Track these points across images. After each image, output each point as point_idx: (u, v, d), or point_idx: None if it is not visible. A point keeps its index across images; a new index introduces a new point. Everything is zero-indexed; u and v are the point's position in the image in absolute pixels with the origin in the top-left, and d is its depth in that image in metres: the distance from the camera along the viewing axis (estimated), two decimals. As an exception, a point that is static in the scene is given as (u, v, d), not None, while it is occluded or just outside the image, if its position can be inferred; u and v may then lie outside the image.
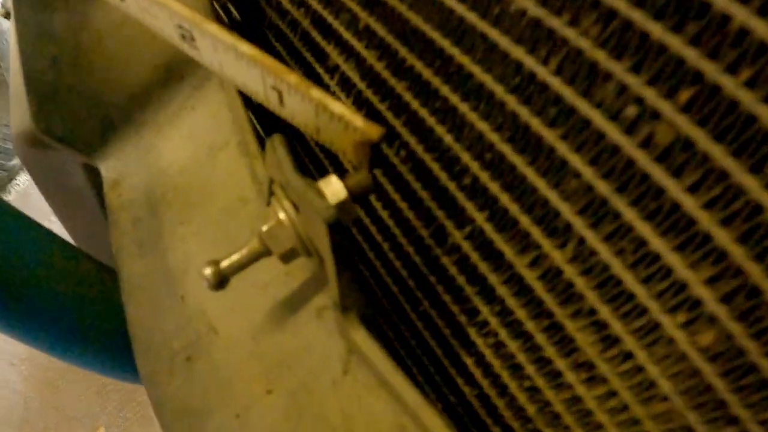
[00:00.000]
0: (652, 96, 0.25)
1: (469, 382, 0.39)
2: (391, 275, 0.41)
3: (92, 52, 0.47)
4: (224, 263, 0.31)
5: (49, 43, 0.47)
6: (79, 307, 0.53)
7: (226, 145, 0.39)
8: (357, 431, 0.31)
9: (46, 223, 0.56)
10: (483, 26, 0.31)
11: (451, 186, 0.34)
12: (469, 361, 0.38)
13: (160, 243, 0.39)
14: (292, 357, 0.33)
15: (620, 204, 0.27)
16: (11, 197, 2.53)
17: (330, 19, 0.40)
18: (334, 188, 0.30)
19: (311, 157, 0.46)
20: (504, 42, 0.30)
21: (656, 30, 0.25)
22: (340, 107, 0.28)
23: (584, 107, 0.27)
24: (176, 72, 0.43)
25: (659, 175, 0.26)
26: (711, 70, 0.24)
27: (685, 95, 0.25)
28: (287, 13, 0.44)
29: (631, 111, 0.26)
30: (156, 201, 0.40)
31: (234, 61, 0.30)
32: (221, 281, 0.31)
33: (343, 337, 0.32)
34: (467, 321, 0.37)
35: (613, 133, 0.27)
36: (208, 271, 0.30)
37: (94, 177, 0.46)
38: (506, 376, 0.36)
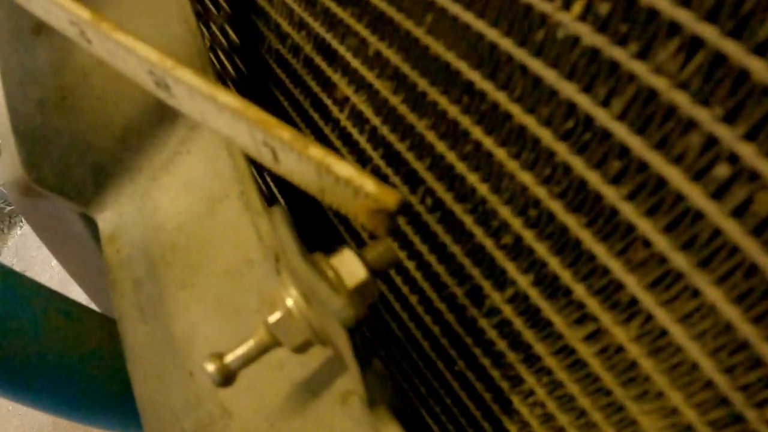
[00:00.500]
0: (750, 153, 0.19)
1: (515, 447, 0.33)
2: (420, 329, 0.35)
3: (78, 90, 0.41)
4: (229, 358, 0.25)
5: (33, 84, 0.42)
6: (82, 367, 0.48)
7: (226, 196, 0.33)
8: None
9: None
10: (522, 56, 0.24)
11: (488, 243, 0.28)
12: (512, 429, 0.32)
13: (162, 309, 0.34)
14: (315, 450, 0.28)
15: (702, 281, 0.21)
16: (21, 231, 2.48)
17: (335, 44, 0.33)
18: (349, 267, 0.24)
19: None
20: (550, 76, 0.23)
21: (759, 68, 0.18)
22: (346, 169, 0.22)
23: (658, 163, 0.21)
24: (169, 110, 0.37)
25: (755, 252, 0.20)
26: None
27: (797, 154, 0.18)
28: (287, 36, 0.38)
29: (722, 171, 0.20)
30: (155, 261, 0.35)
31: (216, 112, 0.24)
32: (227, 378, 0.25)
33: (373, 429, 0.27)
34: (510, 387, 0.31)
35: (697, 196, 0.20)
36: (211, 367, 0.25)
37: (93, 226, 0.41)
38: (558, 449, 0.30)
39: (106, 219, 0.38)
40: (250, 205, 0.32)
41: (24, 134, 0.41)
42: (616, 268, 0.24)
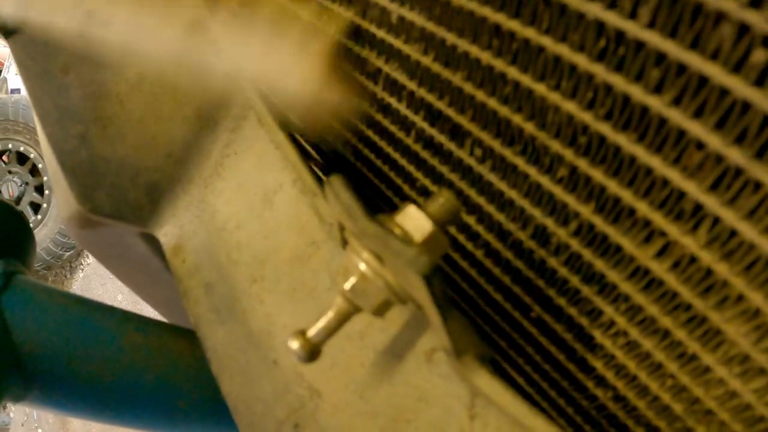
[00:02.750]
0: (786, 32, 0.20)
1: (601, 384, 0.35)
2: (491, 283, 0.37)
3: (117, 118, 0.45)
4: (311, 332, 0.28)
5: (72, 121, 0.46)
6: (168, 380, 0.52)
7: (281, 187, 0.36)
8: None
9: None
10: (542, -12, 0.26)
11: (544, 180, 0.30)
12: (598, 364, 0.34)
13: (237, 307, 0.37)
14: (408, 410, 0.31)
15: (762, 173, 0.23)
16: (83, 274, 2.64)
17: (356, 19, 0.36)
18: (415, 222, 0.27)
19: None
20: (574, 1, 0.25)
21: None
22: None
23: (696, 61, 0.23)
24: (208, 118, 0.41)
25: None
26: None
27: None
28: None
29: (760, 56, 0.21)
30: (222, 262, 0.38)
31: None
32: (312, 352, 0.28)
33: (463, 379, 0.29)
34: (590, 323, 0.33)
35: (740, 87, 0.22)
36: (295, 344, 0.28)
37: (155, 243, 0.45)
38: (644, 376, 0.32)
39: (167, 233, 0.42)
40: (306, 188, 0.35)
41: (72, 169, 0.46)
42: (675, 177, 0.25)
